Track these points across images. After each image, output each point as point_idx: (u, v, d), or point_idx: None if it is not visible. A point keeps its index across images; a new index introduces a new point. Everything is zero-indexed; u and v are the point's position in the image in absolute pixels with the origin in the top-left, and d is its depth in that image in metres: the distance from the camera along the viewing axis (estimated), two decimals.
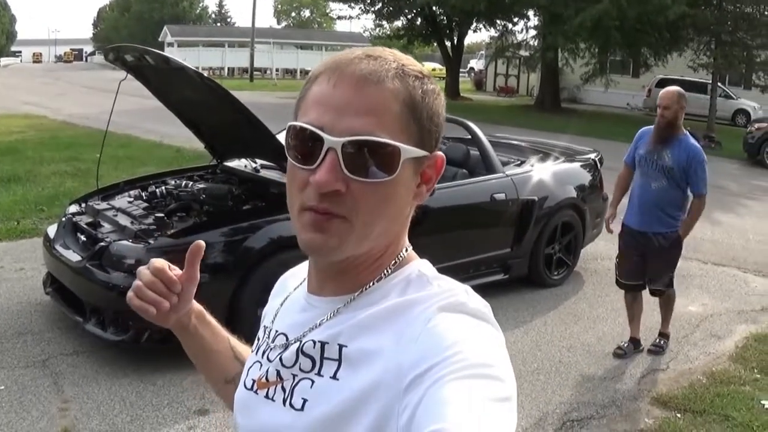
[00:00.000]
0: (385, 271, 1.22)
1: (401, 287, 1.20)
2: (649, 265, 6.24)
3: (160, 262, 1.40)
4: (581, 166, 8.65)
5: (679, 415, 5.27)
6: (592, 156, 8.96)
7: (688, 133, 6.08)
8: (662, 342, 6.43)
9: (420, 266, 1.24)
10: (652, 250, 6.16)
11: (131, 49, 6.02)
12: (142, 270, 1.40)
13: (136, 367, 5.47)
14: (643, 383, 5.79)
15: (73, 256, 5.81)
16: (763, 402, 5.48)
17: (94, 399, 5.01)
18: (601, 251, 8.89)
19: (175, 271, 1.41)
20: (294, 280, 1.41)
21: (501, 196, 7.33)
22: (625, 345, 6.34)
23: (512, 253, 7.52)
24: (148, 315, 1.39)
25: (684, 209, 6.12)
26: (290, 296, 1.37)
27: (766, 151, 19.71)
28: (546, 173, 7.98)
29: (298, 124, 1.13)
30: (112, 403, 4.97)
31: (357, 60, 1.13)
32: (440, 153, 1.21)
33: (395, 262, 1.23)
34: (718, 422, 5.17)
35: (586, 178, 8.51)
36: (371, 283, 1.21)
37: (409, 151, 1.12)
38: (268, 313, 1.42)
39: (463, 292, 1.16)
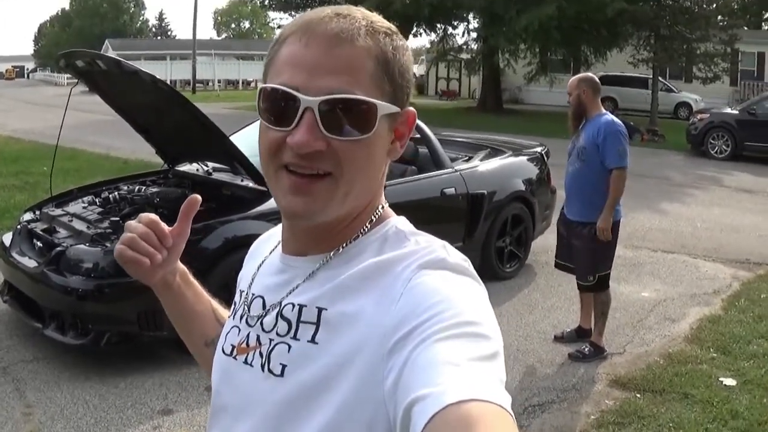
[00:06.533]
0: (362, 229, 1.21)
1: (378, 244, 1.19)
2: (572, 254, 6.19)
3: (152, 215, 1.40)
4: (528, 159, 8.78)
5: (638, 396, 5.36)
6: (539, 150, 9.10)
7: (607, 112, 6.00)
8: (586, 349, 6.06)
9: (397, 223, 1.24)
10: (574, 240, 6.10)
11: (82, 54, 6.00)
12: (133, 223, 1.39)
13: (98, 370, 5.46)
14: (601, 367, 5.87)
15: (30, 263, 5.78)
16: (721, 379, 5.60)
17: (57, 403, 5.00)
18: (552, 243, 8.90)
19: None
20: (269, 242, 1.40)
21: (451, 190, 7.43)
22: (567, 332, 6.43)
23: (464, 247, 7.52)
24: (139, 269, 1.38)
25: (604, 196, 5.82)
26: (266, 260, 1.35)
27: (710, 141, 19.96)
28: (494, 167, 8.12)
29: (271, 85, 1.13)
30: (76, 407, 4.97)
31: (327, 19, 1.13)
32: (411, 109, 1.21)
33: (372, 220, 1.22)
34: (678, 400, 5.27)
35: (533, 171, 8.64)
36: (348, 242, 1.20)
37: (384, 107, 1.13)
38: (243, 277, 1.41)
39: (441, 247, 1.16)
